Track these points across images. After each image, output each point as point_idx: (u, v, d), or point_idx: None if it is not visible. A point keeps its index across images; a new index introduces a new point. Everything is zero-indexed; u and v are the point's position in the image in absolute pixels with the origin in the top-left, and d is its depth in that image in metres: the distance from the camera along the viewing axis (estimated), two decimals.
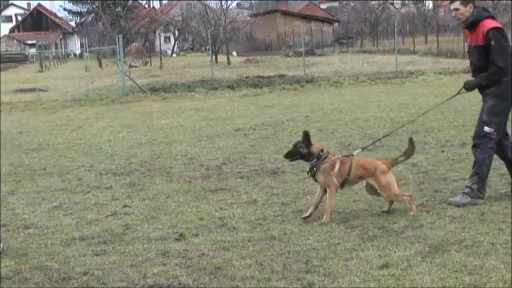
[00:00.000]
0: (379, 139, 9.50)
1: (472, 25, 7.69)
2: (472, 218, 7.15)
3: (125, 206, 8.57)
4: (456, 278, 5.50)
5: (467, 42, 8.04)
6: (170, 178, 10.21)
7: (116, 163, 11.73)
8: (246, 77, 30.99)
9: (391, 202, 7.62)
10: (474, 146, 7.87)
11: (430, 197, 8.16)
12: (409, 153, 7.88)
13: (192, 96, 25.38)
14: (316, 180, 7.62)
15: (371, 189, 7.69)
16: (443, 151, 11.13)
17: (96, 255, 6.63)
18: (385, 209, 7.64)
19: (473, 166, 7.89)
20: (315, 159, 7.49)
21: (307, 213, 7.52)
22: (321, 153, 7.50)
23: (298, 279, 5.67)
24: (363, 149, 8.41)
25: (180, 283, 5.75)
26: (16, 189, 10.00)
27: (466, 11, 7.66)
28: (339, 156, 7.77)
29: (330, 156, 7.56)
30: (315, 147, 7.55)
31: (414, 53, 44.76)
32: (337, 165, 7.47)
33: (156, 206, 8.50)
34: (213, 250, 6.59)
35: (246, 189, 9.19)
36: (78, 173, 11.08)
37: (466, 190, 7.81)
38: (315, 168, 7.48)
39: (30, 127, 18.13)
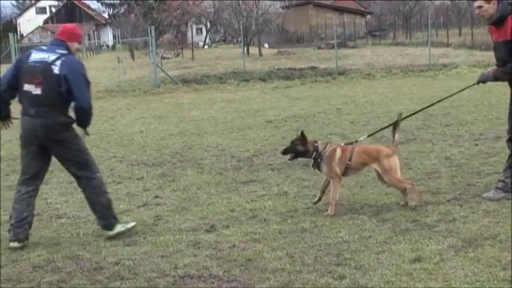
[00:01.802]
0: (384, 128, 9.26)
1: (498, 21, 7.44)
2: (506, 212, 7.06)
3: (156, 196, 8.60)
4: (490, 272, 5.44)
5: (492, 38, 7.81)
6: (201, 169, 10.22)
7: (147, 154, 11.77)
8: (278, 69, 30.91)
9: (405, 195, 7.54)
10: (509, 140, 7.75)
11: (463, 191, 8.07)
12: (397, 129, 7.71)
13: (223, 88, 25.39)
14: (321, 171, 7.64)
15: (380, 176, 7.66)
16: (476, 144, 11.00)
17: (128, 245, 6.66)
18: (402, 203, 7.59)
19: (508, 160, 7.78)
20: (315, 153, 7.50)
21: (316, 199, 7.70)
22: (316, 145, 7.53)
23: (329, 272, 5.64)
24: (368, 136, 8.36)
25: (210, 274, 5.75)
26: (49, 179, 10.06)
27: (490, 7, 7.44)
28: (340, 144, 7.81)
29: (329, 145, 7.57)
30: (310, 142, 7.58)
31: (448, 45, 44.33)
32: (338, 153, 7.49)
33: (187, 197, 8.52)
34: (244, 242, 6.58)
35: (277, 181, 9.17)
36: (110, 163, 11.14)
37: (499, 184, 7.71)
38: (318, 160, 7.50)
39: None
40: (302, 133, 7.61)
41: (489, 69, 7.88)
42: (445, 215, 7.10)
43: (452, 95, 8.79)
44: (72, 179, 9.90)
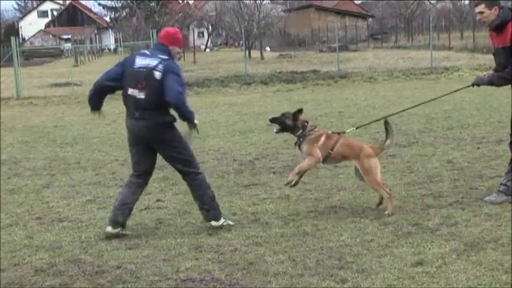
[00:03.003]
0: (371, 122, 9.26)
1: (498, 27, 7.46)
2: (508, 215, 7.04)
3: (158, 200, 8.60)
4: (492, 276, 5.43)
5: (492, 43, 7.81)
6: None
7: None
8: (280, 73, 30.93)
9: (382, 197, 7.54)
10: (511, 143, 7.74)
11: (466, 194, 8.06)
12: (391, 135, 7.70)
13: (225, 91, 25.41)
14: (301, 151, 7.61)
15: (358, 174, 7.64)
16: (478, 148, 10.99)
17: (129, 249, 6.66)
18: (377, 202, 7.62)
19: (510, 163, 7.77)
20: (301, 131, 7.48)
21: (292, 182, 7.58)
22: (306, 125, 7.51)
23: (331, 276, 5.64)
24: (356, 128, 8.40)
25: (212, 278, 5.75)
26: (51, 183, 10.10)
27: (491, 13, 7.45)
28: (327, 131, 7.78)
29: (316, 129, 7.54)
30: (301, 120, 7.52)
31: (450, 48, 44.33)
32: (322, 139, 7.47)
33: (189, 201, 8.49)
34: (246, 245, 6.58)
35: (278, 184, 9.16)
36: (111, 167, 11.15)
37: (501, 188, 7.70)
38: (301, 139, 7.49)
39: (65, 121, 18.30)
40: (299, 110, 7.58)
41: (485, 73, 7.90)
42: (447, 218, 7.09)
43: (444, 95, 8.81)
44: (74, 182, 9.99)
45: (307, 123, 7.55)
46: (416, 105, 9.34)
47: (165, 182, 9.69)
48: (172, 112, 7.09)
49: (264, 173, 10.03)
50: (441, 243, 6.28)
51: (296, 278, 5.63)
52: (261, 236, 6.86)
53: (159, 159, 7.35)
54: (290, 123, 7.53)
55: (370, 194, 8.12)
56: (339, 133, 7.80)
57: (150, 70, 6.95)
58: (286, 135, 13.21)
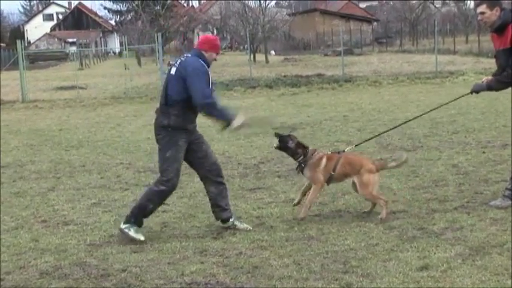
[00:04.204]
0: (374, 136, 9.23)
1: (499, 28, 7.44)
2: None
3: (163, 203, 8.59)
4: (497, 281, 5.42)
5: (494, 46, 7.79)
6: None
7: (154, 161, 11.73)
8: (284, 76, 30.92)
9: (374, 204, 7.59)
10: None
11: (471, 199, 8.05)
12: (400, 162, 7.86)
13: (230, 94, 25.40)
14: (305, 176, 7.67)
15: (354, 187, 7.68)
16: (484, 152, 10.97)
17: (134, 252, 6.67)
18: (366, 210, 7.66)
19: None
20: (302, 157, 7.55)
21: (296, 201, 7.73)
22: (307, 152, 7.58)
23: (336, 280, 5.63)
24: (355, 146, 8.38)
25: (217, 281, 5.75)
26: (56, 186, 10.11)
27: (493, 14, 7.43)
28: (327, 152, 7.84)
29: (316, 153, 7.59)
30: (302, 148, 7.62)
31: (455, 52, 44.25)
32: (324, 162, 7.52)
33: (193, 204, 8.52)
34: (251, 249, 6.58)
35: (283, 188, 9.17)
36: (116, 170, 11.16)
37: (507, 193, 7.69)
38: (302, 165, 7.54)
39: (70, 124, 18.32)
40: (303, 144, 7.69)
41: (483, 78, 7.89)
42: (452, 222, 7.09)
43: (441, 106, 8.84)
44: (79, 185, 10.01)
45: (308, 149, 7.62)
46: (427, 112, 9.26)
47: None
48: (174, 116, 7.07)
49: (269, 176, 10.03)
50: (446, 248, 6.28)
51: (301, 282, 5.63)
52: (266, 239, 6.86)
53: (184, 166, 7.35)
54: (292, 146, 7.62)
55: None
56: (338, 152, 7.83)
57: (171, 68, 7.11)
58: None
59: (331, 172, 7.52)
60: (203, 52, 7.08)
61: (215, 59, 7.23)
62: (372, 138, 9.65)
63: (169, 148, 7.05)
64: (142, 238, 6.99)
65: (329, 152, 7.89)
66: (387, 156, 10.79)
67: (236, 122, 7.06)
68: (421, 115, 9.50)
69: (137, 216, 7.07)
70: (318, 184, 7.51)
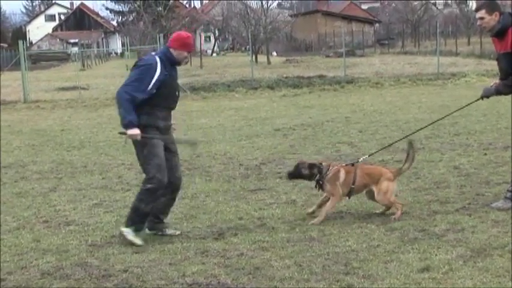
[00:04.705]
0: (387, 146, 9.21)
1: (499, 33, 7.46)
2: None
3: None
4: (499, 283, 5.42)
5: (496, 49, 7.79)
6: (209, 177, 10.23)
7: None
8: (286, 77, 30.92)
9: (388, 208, 7.61)
10: None
11: (472, 200, 8.05)
12: (411, 159, 7.79)
13: (231, 95, 25.43)
14: (324, 191, 7.68)
15: (370, 195, 7.70)
16: (485, 154, 10.97)
17: (136, 252, 6.67)
18: (378, 212, 7.70)
19: None
20: (318, 175, 7.56)
21: (310, 210, 7.72)
22: (321, 167, 7.57)
23: (338, 281, 5.63)
24: (369, 155, 8.32)
25: (218, 282, 5.75)
26: (58, 186, 10.12)
27: (492, 19, 7.44)
28: (342, 165, 7.81)
29: (331, 167, 7.62)
30: (316, 167, 7.60)
31: (456, 54, 44.24)
32: (342, 175, 7.54)
33: (195, 205, 8.52)
34: (252, 250, 6.58)
35: (285, 189, 9.17)
36: (118, 170, 11.17)
37: (508, 195, 7.69)
38: (320, 182, 7.57)
39: (72, 125, 18.33)
40: (314, 163, 7.70)
41: (492, 83, 7.88)
42: (453, 224, 7.08)
43: (449, 114, 8.85)
44: (81, 186, 10.01)
45: (322, 165, 7.62)
46: (420, 129, 9.26)
47: (172, 186, 9.68)
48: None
49: (270, 177, 10.03)
50: (448, 249, 6.27)
51: (302, 283, 5.63)
52: (267, 240, 6.86)
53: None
54: (307, 173, 7.62)
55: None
56: (352, 164, 7.82)
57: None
58: (293, 141, 13.30)
59: (351, 185, 7.54)
60: (171, 50, 7.05)
61: (186, 58, 7.18)
62: (384, 148, 9.53)
63: (143, 146, 7.03)
64: (139, 242, 6.96)
65: (344, 164, 7.85)
66: (389, 158, 10.81)
67: (129, 132, 7.01)
68: (435, 121, 9.39)
69: (133, 219, 7.05)
70: (336, 197, 7.52)
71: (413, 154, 7.83)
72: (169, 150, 7.20)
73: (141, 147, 7.05)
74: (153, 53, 7.17)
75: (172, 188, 7.24)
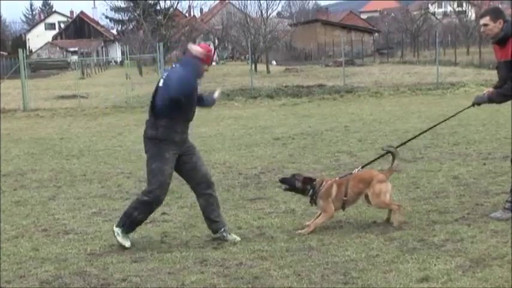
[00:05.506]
0: (375, 160, 9.10)
1: (502, 40, 7.47)
2: None
3: (163, 213, 8.60)
4: None
5: (496, 57, 7.81)
6: None
7: None
8: (285, 86, 30.98)
9: (390, 211, 7.61)
10: None
11: (471, 210, 8.04)
12: (396, 156, 7.83)
13: (231, 104, 25.44)
14: (318, 207, 7.70)
15: (367, 199, 7.69)
16: (484, 164, 10.97)
17: (135, 262, 6.66)
18: (385, 218, 7.69)
19: None
20: (311, 191, 7.58)
21: (308, 223, 7.66)
22: (314, 184, 7.59)
23: None
24: (362, 167, 8.26)
25: None
26: (57, 195, 10.12)
27: (496, 26, 7.46)
28: (335, 179, 7.80)
29: (324, 182, 7.63)
30: (310, 182, 7.62)
31: (456, 64, 44.30)
32: (334, 190, 7.55)
33: (194, 214, 8.51)
34: (251, 259, 6.58)
35: (284, 198, 9.16)
36: (117, 179, 11.17)
37: (507, 205, 7.68)
38: (314, 197, 7.58)
39: (71, 133, 18.34)
40: (309, 177, 7.73)
41: (485, 91, 7.90)
42: (452, 234, 7.08)
43: (440, 123, 8.89)
44: (80, 194, 10.01)
45: (315, 181, 7.64)
46: (414, 137, 9.24)
47: (171, 195, 9.66)
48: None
49: (269, 187, 10.03)
50: (447, 260, 6.27)
51: None
52: (266, 250, 6.85)
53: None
54: (300, 186, 7.65)
55: (376, 209, 8.11)
56: (345, 176, 7.83)
57: (159, 80, 7.11)
58: (292, 150, 13.30)
59: (344, 198, 7.54)
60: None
61: (205, 70, 7.22)
62: (377, 158, 9.57)
63: (155, 160, 7.06)
64: (127, 245, 7.04)
65: (337, 178, 7.84)
66: (387, 167, 10.78)
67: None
68: (430, 128, 9.41)
69: (125, 222, 7.12)
70: (328, 213, 7.52)
71: (396, 151, 7.86)
72: (186, 154, 7.27)
73: (153, 158, 7.09)
74: (177, 65, 7.20)
75: (201, 187, 7.37)
